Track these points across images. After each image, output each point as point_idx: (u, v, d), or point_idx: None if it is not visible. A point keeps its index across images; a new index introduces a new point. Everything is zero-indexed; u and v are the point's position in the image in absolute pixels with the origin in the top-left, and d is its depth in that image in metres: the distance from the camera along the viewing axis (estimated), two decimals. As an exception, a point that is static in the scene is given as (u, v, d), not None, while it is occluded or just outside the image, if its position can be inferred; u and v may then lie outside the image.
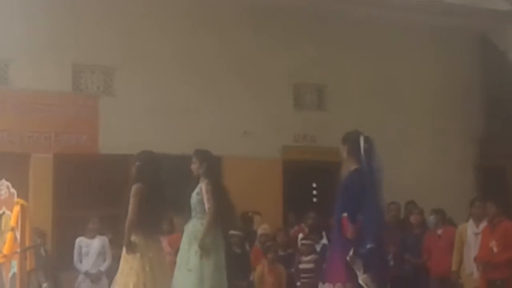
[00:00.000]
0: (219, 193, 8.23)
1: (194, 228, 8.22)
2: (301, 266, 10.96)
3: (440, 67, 14.94)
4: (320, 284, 6.88)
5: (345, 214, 6.79)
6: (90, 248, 10.69)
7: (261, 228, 11.71)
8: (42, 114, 12.09)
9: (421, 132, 14.62)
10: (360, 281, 6.61)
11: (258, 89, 13.57)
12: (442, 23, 14.51)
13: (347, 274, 6.67)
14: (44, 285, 9.92)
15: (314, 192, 14.23)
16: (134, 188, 7.38)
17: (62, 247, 11.49)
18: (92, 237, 10.75)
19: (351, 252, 6.61)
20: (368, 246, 6.60)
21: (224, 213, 8.33)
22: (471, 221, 10.49)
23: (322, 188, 13.98)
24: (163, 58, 12.85)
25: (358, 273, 6.60)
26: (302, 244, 11.15)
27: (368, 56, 14.30)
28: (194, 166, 8.36)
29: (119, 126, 12.33)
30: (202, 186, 8.19)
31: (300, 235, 11.58)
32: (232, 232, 10.33)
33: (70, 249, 10.85)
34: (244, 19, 13.44)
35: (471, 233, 10.28)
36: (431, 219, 11.33)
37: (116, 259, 7.82)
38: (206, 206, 8.11)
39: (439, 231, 11.07)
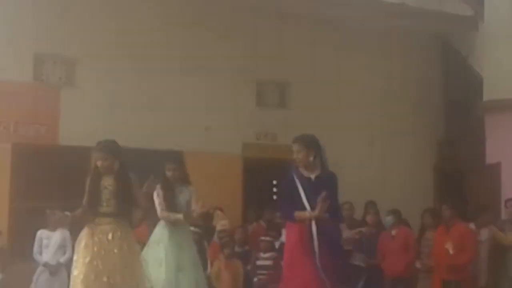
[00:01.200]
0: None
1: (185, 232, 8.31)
2: (259, 262, 11.00)
3: (401, 69, 15.07)
4: None
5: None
6: (50, 241, 10.62)
7: (220, 224, 11.71)
8: (2, 103, 11.96)
9: (381, 133, 14.73)
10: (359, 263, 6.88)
11: (221, 85, 13.56)
12: (405, 25, 14.63)
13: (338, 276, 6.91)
14: (0, 275, 9.83)
15: (274, 189, 14.27)
16: (134, 178, 7.31)
17: (19, 239, 11.39)
18: (54, 229, 10.68)
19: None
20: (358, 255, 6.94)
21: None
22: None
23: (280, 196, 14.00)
24: (126, 51, 12.79)
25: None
26: (261, 241, 11.19)
27: (330, 55, 14.37)
28: (176, 173, 8.48)
29: (80, 117, 12.25)
30: (192, 191, 8.51)
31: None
32: (192, 229, 10.35)
33: (28, 241, 10.74)
34: (208, 15, 13.42)
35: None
36: (388, 219, 11.41)
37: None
38: (198, 209, 8.35)
39: (394, 232, 11.16)
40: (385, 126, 14.77)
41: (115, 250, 7.04)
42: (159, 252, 8.18)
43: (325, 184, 6.99)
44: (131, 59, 12.80)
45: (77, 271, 7.07)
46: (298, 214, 6.96)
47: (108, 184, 7.19)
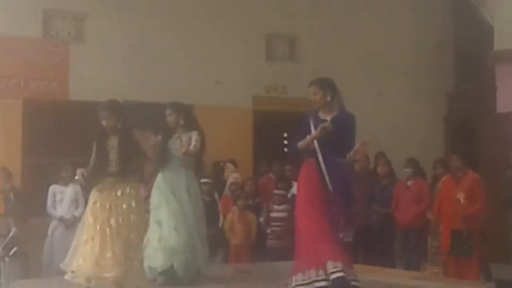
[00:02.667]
0: (204, 145, 8.36)
1: (180, 179, 8.28)
2: (273, 214, 11.06)
3: (411, 21, 14.97)
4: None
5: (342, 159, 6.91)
6: (64, 195, 10.73)
7: (231, 177, 11.76)
8: (12, 59, 11.99)
9: (391, 85, 14.69)
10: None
11: (231, 39, 13.54)
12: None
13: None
14: (13, 229, 9.90)
15: (285, 142, 14.30)
16: (137, 134, 7.33)
17: (32, 192, 11.48)
18: (66, 184, 10.77)
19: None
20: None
21: (203, 163, 8.51)
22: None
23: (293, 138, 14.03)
24: (135, 6, 12.76)
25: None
26: (275, 194, 11.24)
27: (340, 7, 14.30)
28: (172, 118, 8.35)
29: (90, 72, 12.26)
30: (194, 138, 8.22)
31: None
32: (202, 180, 10.40)
33: (40, 195, 10.86)
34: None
35: None
36: (407, 171, 11.41)
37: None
38: (196, 147, 8.17)
39: (409, 183, 11.21)
40: (395, 78, 14.72)
41: (124, 206, 7.11)
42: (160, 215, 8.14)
43: (342, 125, 6.94)
44: (140, 13, 12.78)
45: (85, 230, 7.16)
46: (301, 142, 6.99)
47: (115, 144, 7.24)
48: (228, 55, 13.48)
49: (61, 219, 10.60)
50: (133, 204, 7.17)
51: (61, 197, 10.72)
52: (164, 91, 12.28)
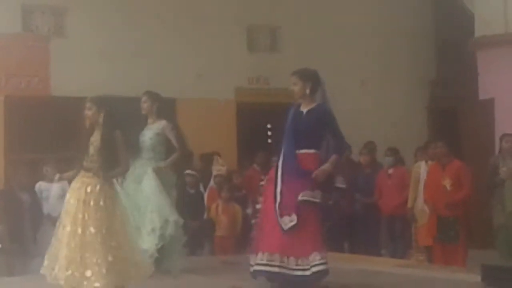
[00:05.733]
0: (180, 133, 8.34)
1: (145, 169, 8.24)
2: (259, 206, 11.03)
3: (392, 8, 14.96)
4: (286, 217, 6.93)
5: (310, 150, 6.94)
6: (49, 192, 10.61)
7: (216, 169, 11.76)
8: (-8, 56, 11.90)
9: (373, 73, 14.71)
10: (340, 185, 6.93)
11: (212, 31, 13.49)
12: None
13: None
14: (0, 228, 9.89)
15: (269, 133, 14.29)
16: (119, 135, 7.23)
17: (15, 190, 11.39)
18: (51, 180, 10.68)
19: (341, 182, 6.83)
20: (341, 185, 6.88)
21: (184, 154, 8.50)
22: (423, 161, 10.70)
23: (277, 129, 14.04)
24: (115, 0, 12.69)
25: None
26: (261, 186, 11.22)
27: (322, -3, 14.28)
28: (146, 105, 8.38)
29: (71, 67, 12.19)
30: (165, 126, 8.23)
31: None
32: (187, 171, 10.39)
33: (24, 192, 10.75)
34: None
35: (424, 172, 10.46)
36: (388, 160, 11.48)
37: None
38: (176, 144, 8.17)
39: (390, 171, 11.27)
40: (377, 67, 14.73)
41: (91, 203, 7.06)
42: None
43: (316, 118, 7.00)
44: (121, 7, 12.72)
45: (60, 220, 7.13)
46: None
47: (94, 140, 7.20)
48: (209, 47, 13.43)
49: (48, 217, 10.52)
50: (101, 203, 7.10)
51: (47, 194, 10.60)
52: (146, 85, 12.09)
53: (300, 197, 6.82)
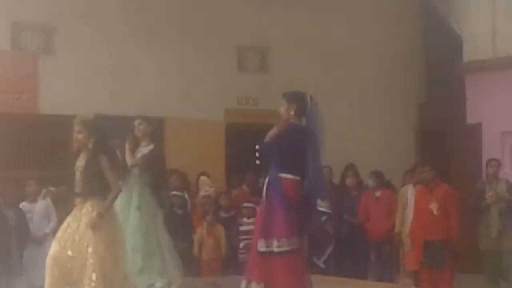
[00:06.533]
0: (162, 157, 8.36)
1: (136, 190, 8.26)
2: (243, 228, 11.02)
3: (381, 30, 15.00)
4: (262, 240, 6.87)
5: (287, 175, 6.86)
6: (33, 214, 10.51)
7: (204, 190, 11.73)
8: (-20, 73, 11.87)
9: (362, 95, 14.71)
10: (323, 209, 6.80)
11: (201, 51, 13.50)
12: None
13: (291, 230, 6.77)
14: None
15: (257, 154, 14.23)
16: (105, 159, 7.19)
17: None
18: (34, 200, 10.60)
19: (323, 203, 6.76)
20: (323, 204, 6.78)
21: (164, 177, 8.52)
22: (410, 185, 10.71)
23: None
24: (104, 18, 12.69)
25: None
26: (244, 207, 11.21)
27: (311, 17, 14.30)
28: (142, 127, 8.41)
29: (60, 85, 12.18)
30: (149, 149, 8.28)
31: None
32: (173, 192, 10.37)
33: (8, 211, 10.67)
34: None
35: (412, 195, 10.46)
36: (369, 182, 11.49)
37: (61, 220, 7.71)
38: (153, 168, 8.19)
39: (377, 194, 11.26)
40: (364, 88, 14.74)
41: (84, 219, 7.04)
42: None
43: (288, 137, 6.91)
44: (110, 25, 12.72)
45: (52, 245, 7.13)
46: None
47: (80, 165, 7.18)
48: (199, 66, 13.44)
49: (33, 238, 10.40)
50: (99, 225, 7.07)
51: (31, 216, 10.48)
52: (135, 104, 12.21)
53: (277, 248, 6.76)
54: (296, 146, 6.89)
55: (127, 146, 8.37)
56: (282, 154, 6.90)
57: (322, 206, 6.82)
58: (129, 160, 8.28)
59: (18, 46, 12.44)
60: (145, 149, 8.39)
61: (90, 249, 6.92)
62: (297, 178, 6.88)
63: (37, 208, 10.54)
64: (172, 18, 13.22)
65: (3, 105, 11.97)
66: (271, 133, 6.97)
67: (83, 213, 7.10)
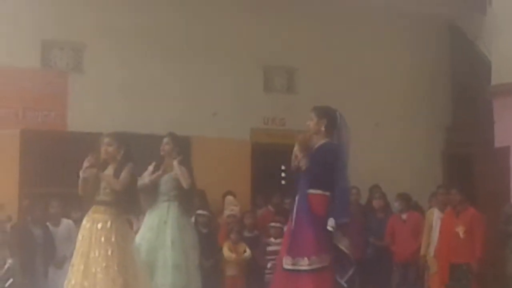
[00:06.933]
0: (191, 175, 8.36)
1: (163, 214, 8.30)
2: (270, 248, 10.99)
3: (409, 53, 15.01)
4: (289, 258, 6.86)
5: (317, 191, 6.86)
6: (55, 236, 10.56)
7: (229, 209, 11.74)
8: (11, 89, 11.99)
9: (389, 117, 14.69)
10: (342, 247, 6.74)
11: (229, 70, 13.56)
12: (412, 9, 14.58)
13: (320, 247, 6.74)
14: (9, 261, 9.85)
15: (283, 174, 14.27)
16: (131, 167, 7.26)
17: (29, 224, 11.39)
18: (57, 224, 10.62)
19: (332, 223, 6.71)
20: (345, 220, 6.74)
21: (192, 195, 8.52)
22: (436, 208, 10.66)
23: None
24: (133, 36, 12.78)
25: (338, 242, 6.71)
26: (272, 227, 11.19)
27: (338, 39, 14.33)
28: (167, 147, 8.44)
29: (88, 103, 12.27)
30: (179, 169, 8.27)
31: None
32: (199, 211, 10.38)
33: (37, 228, 10.73)
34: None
35: (437, 218, 10.40)
36: (396, 205, 11.43)
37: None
38: (186, 185, 8.20)
39: (404, 216, 11.19)
40: (392, 110, 14.72)
41: (102, 239, 7.04)
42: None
43: (320, 154, 6.94)
44: (139, 44, 12.81)
45: (72, 261, 7.13)
46: None
47: (110, 173, 7.22)
48: (226, 86, 13.49)
49: (53, 259, 10.43)
50: (113, 239, 7.08)
51: (53, 237, 10.56)
52: (161, 122, 12.27)
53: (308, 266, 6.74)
54: (329, 163, 6.88)
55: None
56: (315, 171, 6.87)
57: (330, 226, 6.79)
58: (183, 181, 8.26)
59: (47, 63, 12.57)
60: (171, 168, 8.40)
61: (99, 276, 6.92)
62: (327, 193, 6.86)
63: (59, 232, 10.59)
64: (199, 37, 13.28)
65: (32, 122, 12.09)
66: (300, 151, 6.94)
67: (98, 228, 7.08)
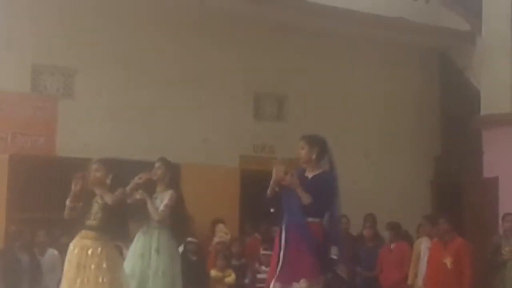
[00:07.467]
0: (182, 204, 8.34)
1: (152, 240, 8.25)
2: (260, 276, 10.95)
3: (399, 82, 15.11)
4: (278, 284, 6.84)
5: (315, 219, 6.88)
6: (41, 268, 10.50)
7: (218, 236, 11.71)
8: (0, 114, 11.93)
9: (378, 146, 14.75)
10: (340, 273, 6.78)
11: (218, 97, 13.57)
12: (403, 39, 14.70)
13: (317, 269, 6.79)
14: None
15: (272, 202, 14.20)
16: (121, 192, 7.25)
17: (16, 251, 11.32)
18: (42, 253, 10.58)
19: (336, 251, 6.73)
20: (336, 248, 6.79)
21: (181, 221, 8.47)
22: (425, 237, 10.65)
23: (280, 199, 13.97)
24: (124, 62, 12.76)
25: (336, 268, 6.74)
26: (263, 255, 11.16)
27: (328, 67, 14.41)
28: (160, 172, 8.39)
29: (78, 129, 12.22)
30: (168, 196, 8.23)
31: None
32: (188, 239, 10.35)
33: (24, 254, 10.66)
34: (205, 26, 13.42)
35: (426, 248, 10.40)
36: (386, 234, 11.44)
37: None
38: (165, 211, 8.14)
39: (392, 246, 11.19)
40: (381, 139, 14.78)
41: (92, 266, 7.01)
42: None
43: (318, 184, 6.94)
44: (129, 70, 12.80)
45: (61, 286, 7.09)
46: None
47: (99, 198, 7.20)
48: (216, 113, 13.49)
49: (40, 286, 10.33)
50: (104, 265, 7.05)
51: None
52: (151, 148, 12.23)
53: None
54: (325, 193, 6.93)
55: (148, 200, 8.26)
56: (314, 201, 6.88)
57: (334, 254, 6.82)
58: (154, 215, 8.18)
59: (37, 88, 12.52)
60: (162, 195, 8.35)
61: None
62: (320, 220, 6.93)
63: (44, 260, 10.52)
64: (190, 65, 13.30)
65: (21, 147, 12.02)
66: (292, 182, 6.94)
67: (88, 254, 7.05)
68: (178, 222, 8.36)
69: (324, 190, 6.94)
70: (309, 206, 6.87)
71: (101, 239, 7.14)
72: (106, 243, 7.14)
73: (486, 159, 13.11)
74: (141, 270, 8.04)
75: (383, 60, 14.94)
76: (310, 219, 6.91)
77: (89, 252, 7.07)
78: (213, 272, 10.89)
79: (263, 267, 11.01)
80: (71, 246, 7.22)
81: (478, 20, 14.14)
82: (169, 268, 8.16)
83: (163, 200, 8.25)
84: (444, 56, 15.44)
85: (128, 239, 8.51)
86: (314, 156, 7.05)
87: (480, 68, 13.82)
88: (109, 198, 7.17)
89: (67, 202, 7.30)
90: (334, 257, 6.82)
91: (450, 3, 15.20)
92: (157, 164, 8.50)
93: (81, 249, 7.09)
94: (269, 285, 6.96)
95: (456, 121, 14.87)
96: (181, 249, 9.17)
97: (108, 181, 7.31)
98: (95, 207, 7.22)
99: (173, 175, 8.58)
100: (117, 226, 7.30)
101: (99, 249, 7.09)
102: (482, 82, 13.59)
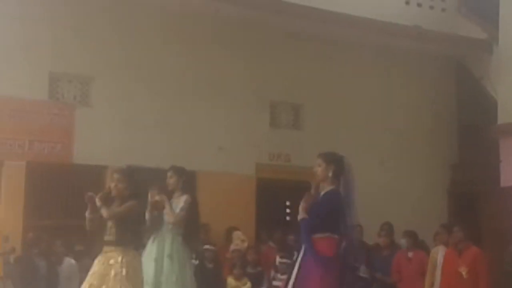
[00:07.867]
0: (196, 209, 8.35)
1: (165, 246, 8.28)
2: (276, 283, 10.95)
3: (415, 91, 15.09)
4: None
5: (325, 234, 6.89)
6: (59, 277, 10.56)
7: (234, 244, 11.72)
8: (17, 121, 11.97)
9: (395, 154, 14.73)
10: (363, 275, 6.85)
11: (235, 105, 13.59)
12: (419, 48, 14.70)
13: (327, 282, 6.80)
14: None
15: (288, 210, 14.24)
16: (136, 205, 7.31)
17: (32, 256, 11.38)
18: (60, 262, 10.64)
19: (364, 270, 6.79)
20: (365, 268, 6.86)
21: (196, 229, 8.50)
22: (441, 246, 10.60)
23: (296, 207, 13.97)
24: (140, 70, 12.82)
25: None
26: (280, 263, 11.16)
27: (345, 76, 14.43)
28: (172, 180, 8.45)
29: (94, 136, 12.27)
30: (182, 201, 8.28)
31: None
32: (205, 247, 10.37)
33: (40, 260, 10.72)
34: (222, 35, 13.47)
35: (441, 257, 10.34)
36: (403, 242, 11.39)
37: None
38: (181, 214, 8.20)
39: (410, 254, 11.13)
40: (398, 148, 14.76)
41: (112, 273, 7.05)
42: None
43: (323, 201, 7.00)
44: (146, 78, 12.85)
45: None
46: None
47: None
48: (232, 121, 13.52)
49: None
50: (123, 273, 7.08)
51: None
52: (167, 156, 12.27)
53: None
54: (334, 210, 6.95)
55: (167, 202, 8.34)
56: (321, 217, 6.95)
57: (365, 273, 6.89)
58: (170, 217, 8.26)
59: (55, 96, 12.59)
60: (178, 200, 8.41)
61: None
62: (335, 236, 6.93)
63: (61, 269, 10.57)
64: (206, 72, 13.33)
65: (38, 154, 12.08)
66: (305, 204, 7.01)
67: (110, 264, 7.11)
68: (190, 228, 8.38)
69: (330, 207, 6.98)
70: (315, 219, 6.91)
71: (120, 250, 7.18)
72: (126, 252, 7.18)
73: (503, 168, 13.05)
74: (155, 275, 8.09)
75: (400, 68, 14.95)
76: (319, 235, 6.94)
77: (111, 261, 7.13)
78: (230, 280, 10.89)
79: (279, 275, 10.99)
80: (96, 260, 7.28)
81: (495, 29, 14.12)
82: (181, 275, 8.19)
83: (178, 204, 8.30)
84: (461, 65, 15.41)
85: (141, 247, 8.56)
86: (330, 174, 7.06)
87: (497, 77, 13.79)
88: (104, 212, 7.20)
89: (86, 214, 7.34)
90: (364, 275, 6.91)
91: (467, 12, 15.18)
92: (169, 174, 8.59)
93: (105, 259, 7.17)
94: None
95: (473, 130, 14.82)
96: (194, 256, 9.17)
97: (127, 192, 7.33)
98: (109, 222, 7.26)
99: (186, 180, 8.62)
100: (133, 236, 7.33)
101: (120, 258, 7.14)
102: (499, 91, 13.55)
